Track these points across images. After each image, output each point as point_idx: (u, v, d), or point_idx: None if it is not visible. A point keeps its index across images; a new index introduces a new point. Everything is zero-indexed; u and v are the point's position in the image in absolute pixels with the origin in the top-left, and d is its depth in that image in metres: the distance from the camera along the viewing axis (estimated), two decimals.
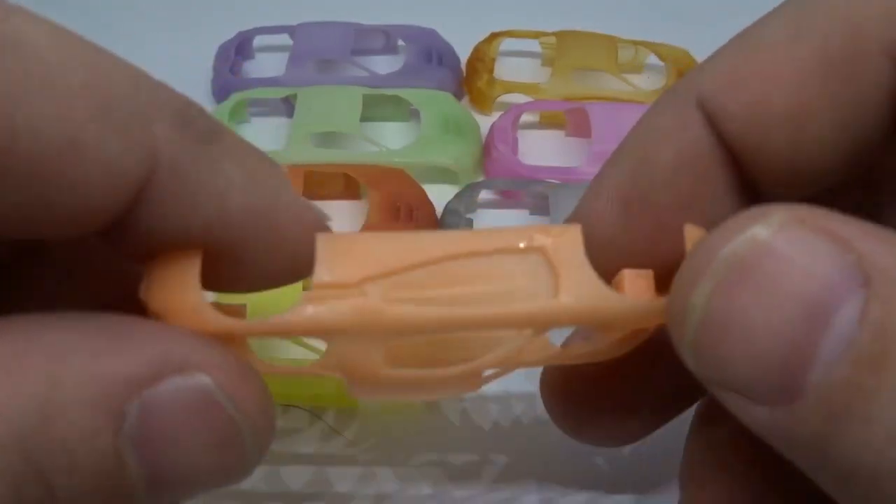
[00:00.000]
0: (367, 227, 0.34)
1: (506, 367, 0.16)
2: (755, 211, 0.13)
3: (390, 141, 0.39)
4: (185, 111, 0.14)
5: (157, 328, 0.14)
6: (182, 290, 0.14)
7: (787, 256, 0.13)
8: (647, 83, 0.42)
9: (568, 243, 0.15)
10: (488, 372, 0.17)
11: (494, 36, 0.43)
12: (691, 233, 0.15)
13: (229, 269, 0.16)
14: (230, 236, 0.15)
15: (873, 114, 0.16)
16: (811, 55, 0.16)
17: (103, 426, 0.12)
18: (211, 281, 0.15)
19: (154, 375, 0.13)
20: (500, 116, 0.39)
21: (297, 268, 0.16)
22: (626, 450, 0.27)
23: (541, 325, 0.15)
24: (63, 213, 0.13)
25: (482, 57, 0.42)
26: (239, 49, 0.44)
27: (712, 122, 0.17)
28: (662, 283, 0.16)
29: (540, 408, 0.22)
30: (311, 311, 0.14)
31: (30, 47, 0.12)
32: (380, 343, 0.15)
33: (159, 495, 0.13)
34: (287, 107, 0.41)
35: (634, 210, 0.18)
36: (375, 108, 0.40)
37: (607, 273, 0.16)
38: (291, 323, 0.14)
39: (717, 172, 0.17)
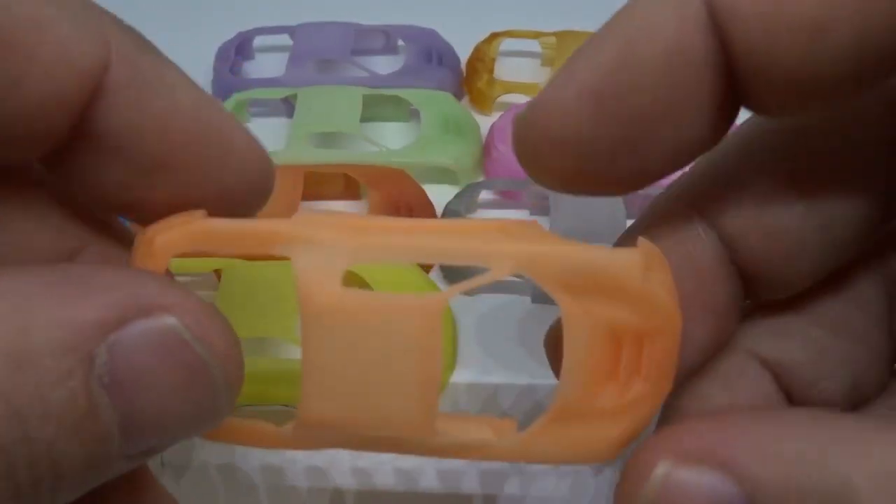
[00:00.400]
0: None
1: (468, 449, 0.16)
2: (642, 461, 0.15)
3: (390, 141, 0.39)
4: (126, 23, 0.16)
5: (122, 273, 0.14)
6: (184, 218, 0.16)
7: None
8: None
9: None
10: (453, 438, 0.16)
11: (494, 36, 0.43)
12: (644, 247, 0.16)
13: (181, 181, 0.16)
14: (182, 138, 0.16)
15: None
16: None
17: (74, 370, 0.13)
18: (164, 199, 0.16)
19: (121, 318, 0.13)
20: (500, 116, 0.39)
21: (245, 183, 0.17)
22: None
23: (517, 262, 0.15)
24: (32, 100, 0.14)
25: (482, 57, 0.42)
26: (239, 49, 0.44)
27: (717, 21, 0.15)
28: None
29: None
30: (290, 223, 0.15)
31: None
32: (343, 263, 0.15)
33: (134, 440, 0.14)
34: (287, 107, 0.41)
35: (607, 108, 0.16)
36: (375, 108, 0.40)
37: (562, 175, 0.16)
38: (278, 229, 0.15)
39: (708, 79, 0.15)
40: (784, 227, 0.17)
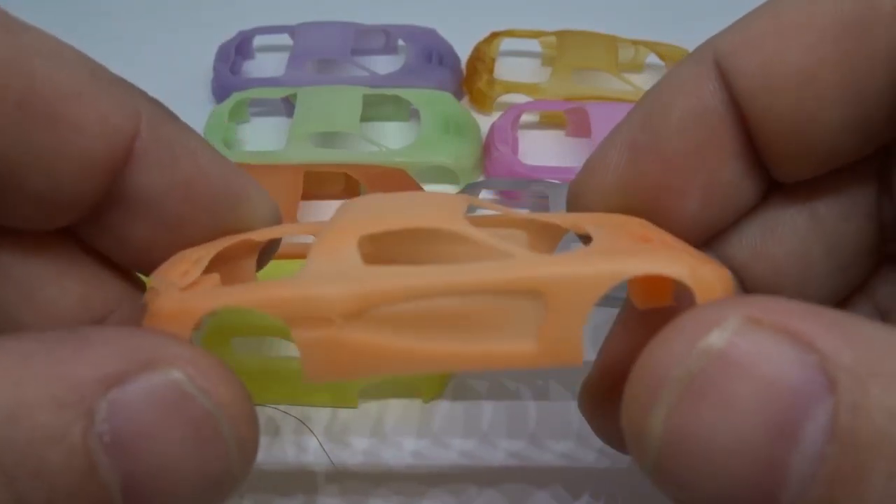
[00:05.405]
0: None
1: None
2: (707, 314, 0.12)
3: (390, 141, 0.39)
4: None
5: (123, 330, 0.13)
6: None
7: (746, 368, 0.12)
8: (647, 83, 0.42)
9: None
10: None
11: (494, 36, 0.43)
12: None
13: (202, 234, 0.17)
14: (206, 199, 0.17)
15: (884, 78, 0.16)
16: (825, 16, 0.16)
17: (71, 426, 0.12)
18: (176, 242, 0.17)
19: (122, 373, 0.12)
20: (500, 116, 0.39)
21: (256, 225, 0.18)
22: None
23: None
24: (74, 166, 0.15)
25: (482, 57, 0.42)
26: (239, 49, 0.44)
27: (726, 79, 0.17)
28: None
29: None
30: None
31: (35, 31, 0.15)
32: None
33: None
34: (287, 107, 0.41)
35: (642, 155, 0.17)
36: (375, 108, 0.40)
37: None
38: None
39: (727, 130, 0.17)
40: (789, 254, 0.18)
